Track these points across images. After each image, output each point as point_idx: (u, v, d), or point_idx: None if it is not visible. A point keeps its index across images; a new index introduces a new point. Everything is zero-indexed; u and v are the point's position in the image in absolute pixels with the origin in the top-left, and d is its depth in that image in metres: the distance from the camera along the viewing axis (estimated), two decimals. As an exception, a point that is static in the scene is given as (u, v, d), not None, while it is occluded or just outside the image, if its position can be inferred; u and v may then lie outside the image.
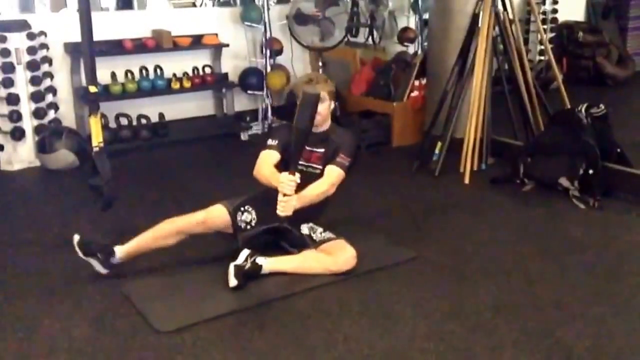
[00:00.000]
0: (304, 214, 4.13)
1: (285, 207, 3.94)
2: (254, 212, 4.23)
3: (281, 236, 4.27)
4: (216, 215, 4.18)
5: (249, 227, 4.20)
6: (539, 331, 3.48)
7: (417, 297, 3.85)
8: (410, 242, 4.58)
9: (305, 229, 4.23)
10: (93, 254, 3.99)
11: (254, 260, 3.96)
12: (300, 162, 4.13)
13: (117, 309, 3.73)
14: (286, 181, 3.92)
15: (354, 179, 5.80)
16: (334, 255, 4.07)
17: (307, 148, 4.16)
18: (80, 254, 3.99)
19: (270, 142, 4.24)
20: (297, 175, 3.95)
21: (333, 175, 4.16)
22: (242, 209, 4.22)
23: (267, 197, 4.11)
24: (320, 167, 4.23)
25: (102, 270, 4.01)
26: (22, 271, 4.23)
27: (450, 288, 3.96)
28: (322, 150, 4.24)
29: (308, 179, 4.13)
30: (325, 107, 4.18)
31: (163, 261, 4.29)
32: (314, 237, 4.19)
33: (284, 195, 3.93)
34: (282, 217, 3.97)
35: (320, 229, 4.24)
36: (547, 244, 4.59)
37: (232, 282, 3.86)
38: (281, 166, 4.13)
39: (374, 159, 6.62)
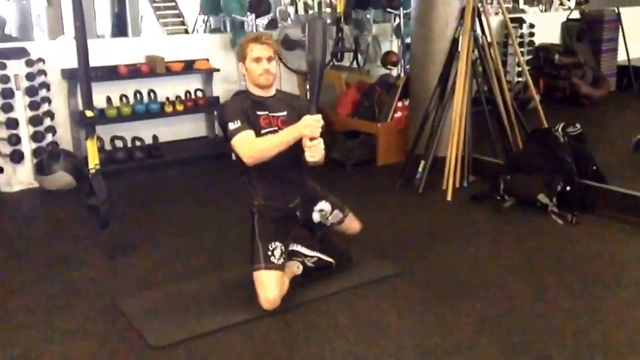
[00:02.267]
0: (302, 190, 4.10)
1: (315, 151, 3.58)
2: (276, 242, 3.91)
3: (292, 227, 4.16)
4: (279, 281, 3.84)
5: (284, 257, 3.92)
6: (521, 345, 3.47)
7: (402, 311, 3.84)
8: (395, 258, 4.57)
9: (316, 217, 4.19)
10: None
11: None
12: (269, 130, 3.82)
13: (113, 324, 3.72)
14: (313, 123, 3.56)
15: (339, 196, 5.82)
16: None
17: (267, 114, 3.84)
18: None
19: (233, 125, 3.74)
20: (320, 115, 3.61)
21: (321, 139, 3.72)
22: (269, 253, 3.86)
23: (269, 217, 3.97)
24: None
25: None
26: (20, 288, 4.21)
27: (434, 303, 3.95)
28: (285, 113, 3.91)
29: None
30: (274, 65, 3.87)
31: (158, 277, 4.30)
32: (325, 223, 4.24)
33: (311, 139, 3.57)
34: (313, 164, 3.61)
35: (328, 210, 4.23)
36: (527, 258, 4.59)
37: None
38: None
39: (360, 177, 6.63)
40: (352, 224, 4.46)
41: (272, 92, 3.96)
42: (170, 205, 5.81)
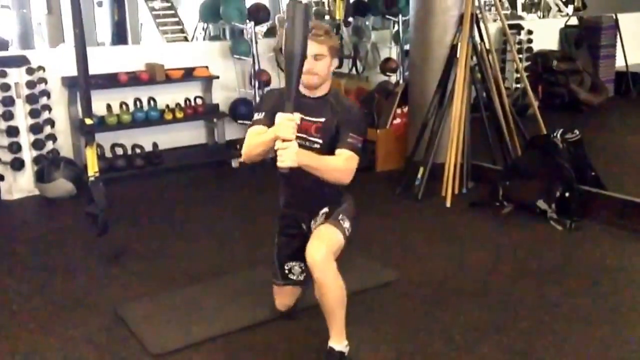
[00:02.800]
0: (320, 203, 3.55)
1: (284, 155, 2.98)
2: (293, 262, 3.69)
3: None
4: (294, 293, 3.78)
5: (305, 273, 3.68)
6: (521, 350, 3.47)
7: (401, 318, 3.84)
8: (395, 264, 4.57)
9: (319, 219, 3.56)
10: None
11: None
12: (299, 135, 3.19)
13: (112, 331, 3.72)
14: (284, 122, 2.99)
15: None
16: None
17: (302, 117, 3.14)
18: None
19: (256, 116, 3.37)
20: (297, 114, 3.02)
21: (347, 157, 3.23)
22: (286, 272, 3.71)
23: (284, 231, 3.71)
24: (320, 140, 3.32)
25: None
26: (20, 295, 4.21)
27: (433, 309, 3.95)
28: (323, 119, 3.33)
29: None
30: (323, 65, 3.28)
31: (158, 284, 4.29)
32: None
33: (283, 140, 2.99)
34: (282, 169, 3.03)
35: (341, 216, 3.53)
36: (526, 264, 4.59)
37: None
38: None
39: (359, 183, 6.53)
40: (310, 251, 3.30)
41: (320, 92, 3.37)
42: (170, 213, 5.81)
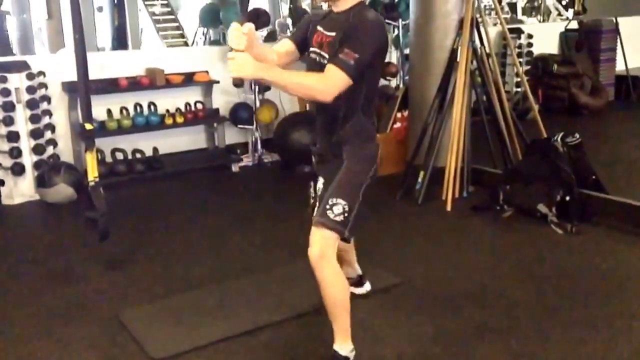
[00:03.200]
0: (340, 139, 3.34)
1: (231, 65, 2.88)
2: (320, 179, 3.48)
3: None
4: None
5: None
6: (521, 353, 3.47)
7: (402, 321, 3.84)
8: (395, 268, 4.57)
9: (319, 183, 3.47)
10: None
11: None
12: (314, 50, 3.19)
13: (113, 336, 3.71)
14: (231, 30, 2.90)
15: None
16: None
17: (321, 30, 3.14)
18: None
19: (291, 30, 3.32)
20: (249, 25, 2.91)
21: (328, 74, 2.94)
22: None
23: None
24: (327, 56, 3.10)
25: None
26: (21, 300, 4.21)
27: (434, 312, 3.94)
28: (333, 34, 3.10)
29: (319, 71, 3.04)
30: None
31: (158, 289, 4.30)
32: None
33: (235, 50, 2.88)
34: (233, 78, 3.06)
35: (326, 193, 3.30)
36: (527, 268, 4.59)
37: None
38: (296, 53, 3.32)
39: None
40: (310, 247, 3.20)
41: (342, 7, 3.11)
42: (170, 217, 5.81)
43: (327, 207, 3.19)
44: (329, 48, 3.07)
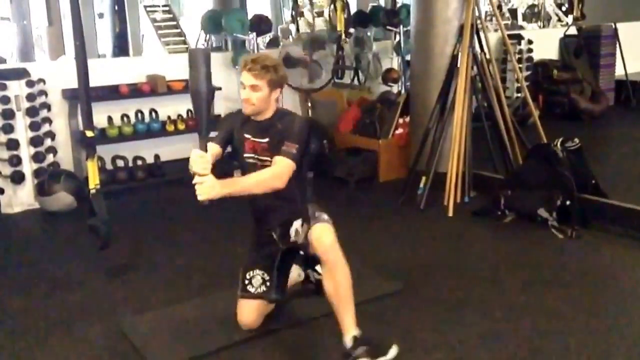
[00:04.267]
0: (280, 214, 3.66)
1: (199, 189, 3.23)
2: (256, 271, 3.77)
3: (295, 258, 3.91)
4: (254, 309, 3.75)
5: (267, 284, 3.75)
6: (523, 358, 3.46)
7: (404, 327, 3.82)
8: (397, 274, 4.55)
9: (293, 235, 3.62)
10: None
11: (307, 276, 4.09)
12: (250, 155, 3.63)
13: (115, 346, 3.69)
14: (194, 157, 3.22)
15: (342, 212, 5.79)
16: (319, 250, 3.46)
17: (251, 138, 3.60)
18: None
19: (213, 134, 3.62)
20: (210, 149, 3.36)
21: (278, 165, 3.44)
22: (246, 282, 3.78)
23: (253, 242, 3.87)
24: (269, 159, 3.55)
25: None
26: (22, 310, 4.18)
27: (436, 318, 3.93)
28: (267, 140, 3.58)
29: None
30: (260, 96, 3.51)
31: (160, 297, 4.28)
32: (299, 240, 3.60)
33: (197, 175, 3.23)
34: (201, 202, 3.28)
35: (298, 225, 3.60)
36: (528, 273, 4.57)
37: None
38: (222, 159, 3.68)
39: (362, 194, 6.60)
40: (320, 236, 3.46)
41: (266, 116, 3.62)
42: (172, 225, 5.79)
43: (315, 216, 3.59)
44: (267, 152, 3.56)
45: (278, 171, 3.44)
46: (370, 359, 3.27)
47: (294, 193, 3.63)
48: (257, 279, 3.76)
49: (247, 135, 3.64)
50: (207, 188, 3.24)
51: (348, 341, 3.31)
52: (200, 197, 3.25)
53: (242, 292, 3.77)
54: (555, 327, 3.78)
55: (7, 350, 3.68)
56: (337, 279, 3.39)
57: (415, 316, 3.96)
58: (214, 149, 3.55)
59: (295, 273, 4.09)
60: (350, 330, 3.34)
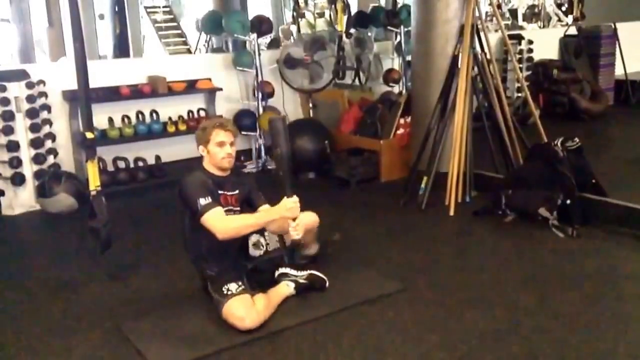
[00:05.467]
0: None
1: (299, 228, 3.99)
2: (230, 284, 3.94)
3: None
4: (245, 302, 3.85)
5: (242, 284, 3.97)
6: (524, 357, 3.45)
7: (406, 327, 3.81)
8: (398, 274, 4.54)
9: (253, 252, 4.28)
10: None
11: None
12: (227, 208, 4.06)
13: (117, 348, 3.68)
14: (294, 205, 3.94)
15: (344, 213, 5.77)
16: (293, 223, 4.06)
17: (224, 193, 4.10)
18: None
19: (203, 201, 3.88)
20: (221, 212, 3.93)
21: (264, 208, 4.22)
22: (225, 292, 3.91)
23: (220, 280, 3.99)
24: (239, 208, 4.16)
25: None
26: (22, 312, 4.17)
27: (437, 318, 3.92)
28: (237, 192, 4.17)
29: None
30: (234, 151, 4.14)
31: (161, 299, 4.26)
32: (270, 242, 4.34)
33: (294, 219, 3.96)
34: (297, 240, 4.04)
35: (262, 241, 4.32)
36: (529, 272, 4.56)
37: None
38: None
39: (363, 194, 6.59)
40: (308, 221, 4.25)
41: (228, 171, 4.17)
42: (174, 226, 5.74)
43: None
44: (240, 202, 4.17)
45: None
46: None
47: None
48: (234, 287, 3.91)
49: (220, 192, 4.08)
50: (302, 227, 4.04)
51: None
52: (298, 236, 4.02)
53: (227, 299, 3.84)
54: (556, 326, 3.76)
55: (9, 352, 3.67)
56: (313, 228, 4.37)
57: (417, 316, 3.94)
58: (222, 210, 3.96)
59: (284, 286, 4.13)
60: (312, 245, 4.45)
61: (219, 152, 4.04)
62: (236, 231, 3.94)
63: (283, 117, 4.23)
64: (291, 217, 3.96)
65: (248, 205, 4.22)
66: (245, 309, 3.77)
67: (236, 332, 3.74)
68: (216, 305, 3.89)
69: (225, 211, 4.00)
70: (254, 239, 4.25)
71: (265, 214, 4.08)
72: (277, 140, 3.99)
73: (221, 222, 3.90)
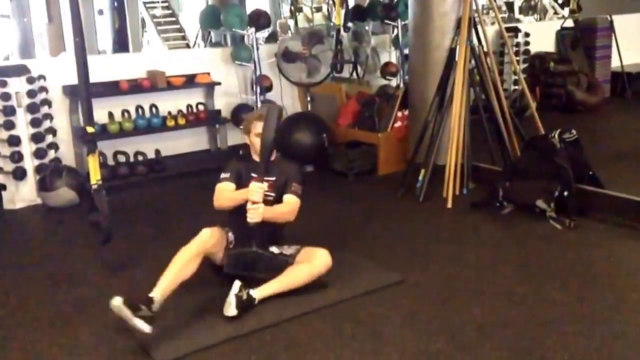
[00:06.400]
0: (268, 237, 4.26)
1: (253, 213, 4.03)
2: (231, 234, 4.32)
3: (257, 266, 4.20)
4: (213, 233, 4.16)
5: (230, 245, 4.28)
6: (522, 348, 3.46)
7: (404, 319, 3.82)
8: (397, 266, 4.55)
9: (274, 249, 4.28)
10: (138, 308, 3.59)
11: (248, 292, 3.93)
12: None
13: (117, 339, 3.69)
14: (255, 188, 4.04)
15: (342, 206, 5.78)
16: (312, 261, 4.15)
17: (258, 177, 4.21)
18: (128, 314, 3.55)
19: (223, 175, 4.34)
20: (265, 183, 4.10)
21: (292, 202, 4.28)
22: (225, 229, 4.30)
23: (237, 222, 4.24)
24: (273, 194, 4.29)
25: (146, 329, 3.55)
26: (24, 305, 4.19)
27: (436, 309, 3.93)
28: (274, 178, 4.30)
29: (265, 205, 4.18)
30: None
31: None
32: (285, 252, 4.27)
33: (253, 202, 4.04)
34: (252, 224, 4.05)
35: (286, 245, 4.33)
36: (526, 263, 4.58)
37: (232, 312, 3.82)
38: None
39: (361, 187, 6.60)
40: (316, 251, 4.22)
41: (271, 158, 4.27)
42: (173, 219, 5.78)
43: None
44: (275, 188, 4.30)
45: (293, 207, 4.28)
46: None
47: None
48: (229, 235, 4.32)
49: (254, 175, 4.19)
50: (260, 214, 4.04)
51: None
52: (252, 220, 4.04)
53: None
54: (553, 316, 3.78)
55: (13, 344, 3.69)
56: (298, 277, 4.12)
57: (415, 307, 3.96)
58: (231, 186, 4.29)
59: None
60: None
61: (258, 142, 4.24)
62: (220, 201, 4.27)
63: (280, 108, 4.28)
64: (251, 200, 4.04)
65: (283, 193, 4.33)
66: (208, 236, 4.12)
67: (238, 323, 3.77)
68: None
69: None
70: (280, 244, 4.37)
71: (238, 192, 4.22)
72: (265, 126, 4.11)
73: (217, 192, 4.30)
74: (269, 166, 4.18)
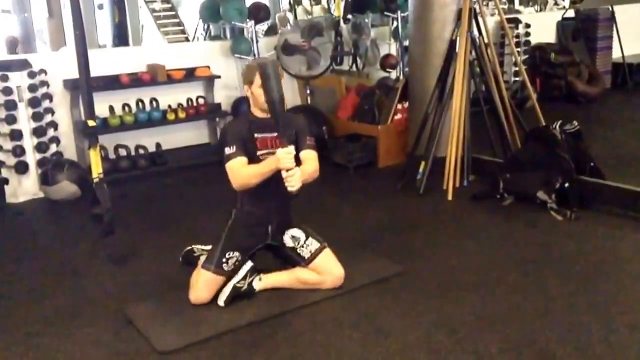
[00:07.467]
0: (279, 217, 4.11)
1: (292, 180, 3.67)
2: (236, 253, 3.98)
3: (274, 252, 4.20)
4: (216, 286, 3.94)
5: (237, 263, 3.97)
6: (523, 339, 3.46)
7: (405, 310, 3.83)
8: (398, 257, 4.56)
9: (288, 240, 4.10)
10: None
11: (251, 282, 3.95)
12: (264, 152, 3.93)
13: (120, 331, 3.71)
14: (284, 155, 3.66)
15: (342, 198, 5.79)
16: (323, 276, 4.03)
17: (264, 136, 3.94)
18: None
19: (228, 150, 3.87)
20: (291, 146, 3.76)
21: (313, 157, 4.00)
22: (223, 260, 3.94)
23: (243, 222, 4.09)
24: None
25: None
26: (28, 298, 4.20)
27: (436, 300, 3.94)
28: (276, 134, 3.92)
29: None
30: None
31: (163, 283, 4.29)
32: (301, 253, 4.07)
33: (287, 170, 3.67)
34: (294, 192, 3.71)
35: (302, 237, 4.09)
36: (527, 255, 4.58)
37: (221, 303, 3.88)
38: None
39: (361, 179, 6.61)
40: (332, 267, 4.08)
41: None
42: (174, 212, 5.80)
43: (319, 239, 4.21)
44: (281, 142, 3.79)
45: (317, 163, 4.01)
46: None
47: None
48: (232, 260, 3.96)
49: (257, 135, 3.94)
50: (298, 177, 3.70)
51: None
52: (293, 188, 3.70)
53: (215, 267, 3.92)
54: (554, 308, 3.79)
55: (15, 336, 3.70)
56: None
57: (416, 298, 3.97)
58: (244, 160, 3.87)
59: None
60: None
61: (262, 94, 3.80)
62: (243, 180, 3.88)
63: (273, 61, 3.86)
64: (284, 168, 3.68)
65: (296, 149, 3.87)
66: (204, 288, 3.92)
67: (239, 314, 3.79)
68: (209, 252, 4.08)
69: (265, 154, 3.90)
70: (295, 232, 4.12)
71: (263, 165, 3.82)
72: (267, 86, 3.68)
73: (235, 172, 3.86)
74: (285, 126, 3.79)
